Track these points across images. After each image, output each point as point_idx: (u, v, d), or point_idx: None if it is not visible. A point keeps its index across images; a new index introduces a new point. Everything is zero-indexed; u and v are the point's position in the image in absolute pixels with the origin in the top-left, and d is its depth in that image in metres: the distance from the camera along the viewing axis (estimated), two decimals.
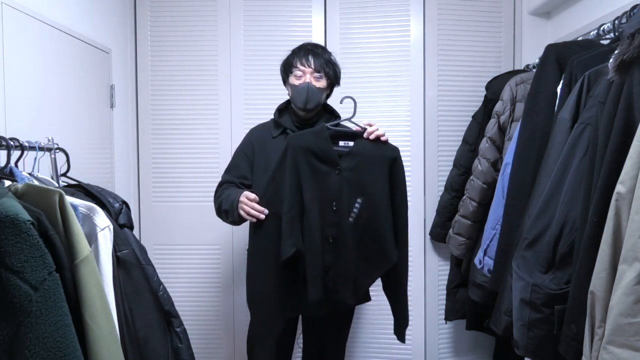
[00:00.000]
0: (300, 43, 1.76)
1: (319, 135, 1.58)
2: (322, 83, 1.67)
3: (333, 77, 1.71)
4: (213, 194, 1.76)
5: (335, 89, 1.79)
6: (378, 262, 1.61)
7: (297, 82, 1.67)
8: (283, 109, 1.78)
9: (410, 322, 2.29)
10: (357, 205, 1.58)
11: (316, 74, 1.67)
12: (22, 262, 0.78)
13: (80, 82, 1.82)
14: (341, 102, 1.64)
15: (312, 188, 1.55)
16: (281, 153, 1.57)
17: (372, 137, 1.58)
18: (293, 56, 1.70)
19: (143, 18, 2.29)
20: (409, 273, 2.30)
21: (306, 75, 1.66)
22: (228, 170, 1.77)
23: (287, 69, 1.72)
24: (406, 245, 1.68)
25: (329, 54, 1.73)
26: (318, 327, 1.78)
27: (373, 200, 1.58)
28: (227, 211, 1.64)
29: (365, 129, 1.59)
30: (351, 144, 1.62)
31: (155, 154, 2.31)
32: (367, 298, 1.75)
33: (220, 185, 1.75)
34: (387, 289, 1.71)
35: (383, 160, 1.59)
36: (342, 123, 1.67)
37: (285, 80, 1.74)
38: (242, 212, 1.58)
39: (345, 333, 1.85)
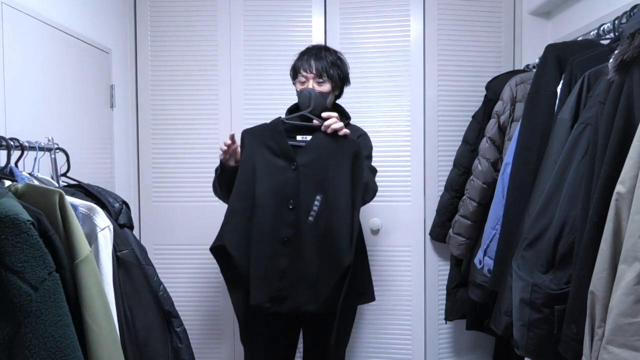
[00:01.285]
0: (301, 43, 1.77)
1: (273, 129, 1.54)
2: (325, 87, 1.68)
3: (337, 79, 1.71)
4: (213, 194, 1.76)
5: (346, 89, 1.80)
6: (335, 266, 1.51)
7: (300, 88, 1.69)
8: (293, 110, 1.78)
9: (410, 322, 2.31)
10: (316, 203, 1.51)
11: (318, 79, 1.67)
12: (22, 262, 0.78)
13: (80, 82, 1.82)
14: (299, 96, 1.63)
15: (267, 183, 1.50)
16: (240, 145, 1.56)
17: (329, 131, 1.52)
18: (298, 61, 1.72)
19: (143, 18, 2.29)
20: (409, 273, 2.33)
21: (309, 80, 1.67)
22: None
23: (293, 74, 1.74)
24: (363, 246, 1.62)
25: (335, 54, 1.73)
26: (317, 328, 1.78)
27: (333, 197, 1.51)
28: (216, 170, 1.66)
29: (323, 122, 1.53)
30: (309, 138, 1.56)
31: (155, 154, 2.31)
32: (329, 307, 1.54)
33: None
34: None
35: (343, 155, 1.52)
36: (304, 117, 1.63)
37: (294, 84, 1.76)
38: (220, 154, 1.58)
39: (345, 335, 1.81)
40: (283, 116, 1.61)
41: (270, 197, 1.51)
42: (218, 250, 1.53)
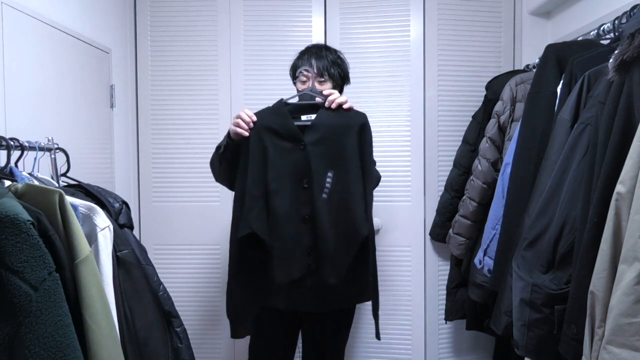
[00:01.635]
0: (301, 43, 1.77)
1: (276, 112, 1.54)
2: (326, 86, 1.67)
3: (338, 78, 1.71)
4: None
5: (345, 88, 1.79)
6: (351, 238, 1.54)
7: (301, 87, 1.68)
8: None
9: (410, 322, 2.31)
10: (328, 179, 1.52)
11: (320, 79, 1.67)
12: (22, 262, 0.78)
13: (80, 82, 1.82)
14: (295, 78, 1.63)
15: (278, 166, 1.50)
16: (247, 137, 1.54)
17: (333, 105, 1.53)
18: (298, 60, 1.71)
19: (143, 18, 2.29)
20: (409, 273, 2.32)
21: (310, 80, 1.66)
22: None
23: (293, 73, 1.73)
24: (371, 219, 1.61)
25: (335, 54, 1.73)
26: (316, 329, 1.78)
27: (344, 172, 1.52)
28: (219, 147, 1.60)
29: (326, 98, 1.54)
30: (313, 116, 1.56)
31: (155, 154, 2.31)
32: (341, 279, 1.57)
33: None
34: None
35: (350, 129, 1.53)
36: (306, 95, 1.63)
37: (294, 84, 1.76)
38: (232, 127, 1.53)
39: (345, 335, 1.82)
40: (285, 97, 1.59)
41: (283, 179, 1.51)
42: (244, 239, 1.52)
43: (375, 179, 1.71)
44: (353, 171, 1.53)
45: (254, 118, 1.53)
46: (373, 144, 1.79)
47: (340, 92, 1.77)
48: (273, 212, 1.51)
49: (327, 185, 1.52)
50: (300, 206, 1.52)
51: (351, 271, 1.56)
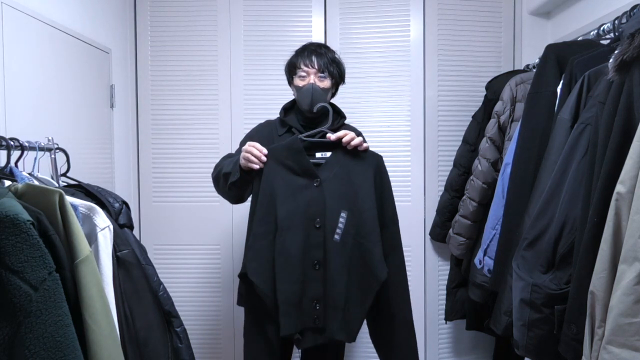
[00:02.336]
0: (301, 43, 1.75)
1: (291, 148, 1.46)
2: (326, 83, 1.65)
3: (337, 76, 1.69)
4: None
5: (341, 87, 1.76)
6: (366, 284, 1.42)
7: (301, 84, 1.64)
8: (289, 108, 1.75)
9: None
10: (342, 220, 1.43)
11: (320, 75, 1.64)
12: (22, 262, 0.78)
13: (80, 82, 1.82)
14: (315, 111, 1.55)
15: (290, 204, 1.43)
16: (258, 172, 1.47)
17: (349, 147, 1.46)
18: (297, 57, 1.68)
19: (143, 18, 2.29)
20: (409, 273, 2.31)
21: (310, 76, 1.63)
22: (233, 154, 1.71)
23: (291, 70, 1.70)
24: (403, 264, 1.51)
25: (333, 52, 1.71)
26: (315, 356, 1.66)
27: (359, 212, 1.44)
28: (227, 174, 1.52)
29: (341, 139, 1.47)
30: (328, 154, 1.49)
31: (155, 154, 2.31)
32: (353, 337, 1.46)
33: (222, 158, 1.68)
34: (376, 328, 1.53)
35: (366, 168, 1.47)
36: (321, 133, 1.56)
37: (290, 81, 1.73)
38: (242, 161, 1.46)
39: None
40: (298, 135, 1.52)
41: (295, 218, 1.43)
42: (246, 277, 1.45)
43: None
44: (368, 211, 1.44)
45: (265, 151, 1.46)
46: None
47: (336, 91, 1.75)
48: (281, 253, 1.41)
49: (340, 226, 1.43)
50: (311, 249, 1.43)
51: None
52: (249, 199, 1.58)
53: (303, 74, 1.64)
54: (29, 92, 1.50)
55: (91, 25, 1.93)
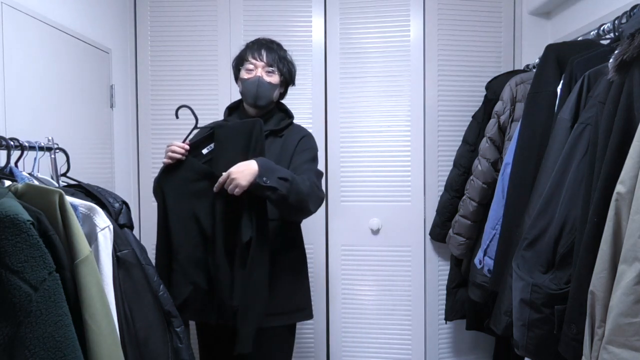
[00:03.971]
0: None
1: (184, 162, 1.50)
2: (274, 78, 1.61)
3: (287, 75, 1.65)
4: None
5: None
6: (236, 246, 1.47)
7: (247, 76, 1.60)
8: (234, 108, 1.72)
9: (410, 322, 2.31)
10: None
11: (268, 69, 1.60)
12: (22, 262, 0.78)
13: (80, 82, 1.82)
14: (176, 115, 1.57)
15: (208, 210, 1.48)
16: (159, 203, 1.52)
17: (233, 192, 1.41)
18: (246, 50, 1.64)
19: (143, 18, 2.29)
20: (409, 273, 2.32)
21: (257, 69, 1.59)
22: None
23: (239, 63, 1.65)
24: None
25: (285, 51, 1.67)
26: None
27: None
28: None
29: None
30: (212, 146, 1.53)
31: (155, 154, 2.31)
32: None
33: None
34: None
35: (239, 137, 1.49)
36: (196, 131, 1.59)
37: (237, 76, 1.68)
38: (165, 160, 1.50)
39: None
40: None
41: (218, 219, 1.47)
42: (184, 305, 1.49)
43: (316, 198, 1.53)
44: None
45: (186, 146, 1.50)
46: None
47: (285, 91, 1.71)
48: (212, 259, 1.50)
49: None
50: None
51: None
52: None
53: (250, 66, 1.61)
54: (29, 92, 1.50)
55: (91, 25, 1.93)
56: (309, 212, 1.53)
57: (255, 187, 1.39)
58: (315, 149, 1.68)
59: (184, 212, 1.50)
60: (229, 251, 1.48)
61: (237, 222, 1.46)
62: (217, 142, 1.52)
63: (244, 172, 1.39)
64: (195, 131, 1.58)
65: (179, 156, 1.49)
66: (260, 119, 1.50)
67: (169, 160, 1.50)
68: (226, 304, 1.48)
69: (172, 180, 1.51)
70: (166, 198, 1.51)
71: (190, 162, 1.51)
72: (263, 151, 1.48)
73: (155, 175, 2.34)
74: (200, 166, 1.51)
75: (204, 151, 1.54)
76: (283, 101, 1.76)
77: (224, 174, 1.43)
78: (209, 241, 1.50)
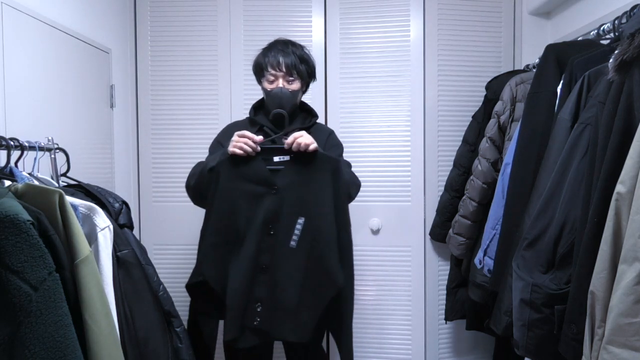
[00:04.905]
0: (301, 43, 1.74)
1: (249, 156, 1.46)
2: (295, 85, 1.62)
3: (306, 76, 1.65)
4: None
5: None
6: (323, 289, 1.44)
7: (269, 87, 1.61)
8: (258, 107, 1.73)
9: (410, 322, 2.31)
10: (298, 226, 1.45)
11: (289, 78, 1.61)
12: (22, 262, 0.78)
13: (80, 82, 1.82)
14: (271, 118, 1.56)
15: (245, 213, 1.44)
16: (213, 182, 1.46)
17: (301, 148, 1.43)
18: (263, 57, 1.64)
19: (143, 18, 2.29)
20: (409, 273, 2.32)
21: (278, 79, 1.60)
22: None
23: (258, 72, 1.66)
24: (351, 266, 1.52)
25: (301, 49, 1.66)
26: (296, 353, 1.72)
27: (316, 219, 1.44)
28: (202, 172, 1.50)
29: (291, 145, 1.45)
30: (287, 158, 1.48)
31: (155, 154, 2.31)
32: (309, 336, 1.48)
33: (194, 167, 1.65)
34: (330, 320, 1.53)
35: (323, 172, 1.46)
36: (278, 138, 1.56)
37: (258, 81, 1.69)
38: (230, 148, 1.45)
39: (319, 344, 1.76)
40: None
41: (251, 226, 1.44)
42: (195, 286, 1.47)
43: (355, 186, 1.63)
44: (325, 217, 1.45)
45: (257, 138, 1.46)
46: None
47: (306, 89, 1.71)
48: (236, 260, 1.44)
49: (297, 232, 1.44)
50: (260, 254, 1.45)
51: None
52: None
53: (271, 77, 1.61)
54: (29, 92, 1.50)
55: (91, 25, 1.93)
56: (352, 198, 1.61)
57: (320, 154, 1.46)
58: (342, 145, 1.74)
59: (225, 205, 1.46)
60: (257, 262, 1.46)
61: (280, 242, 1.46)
62: (293, 166, 1.47)
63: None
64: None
65: (249, 150, 1.45)
66: (339, 164, 1.50)
67: (238, 151, 1.44)
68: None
69: (232, 169, 1.46)
70: (220, 181, 1.46)
71: (258, 163, 1.47)
72: (345, 195, 1.51)
73: (155, 175, 2.34)
74: (265, 172, 1.47)
75: (276, 159, 1.49)
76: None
77: (290, 138, 1.44)
78: (235, 244, 1.46)
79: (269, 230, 1.46)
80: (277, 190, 1.46)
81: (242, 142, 1.45)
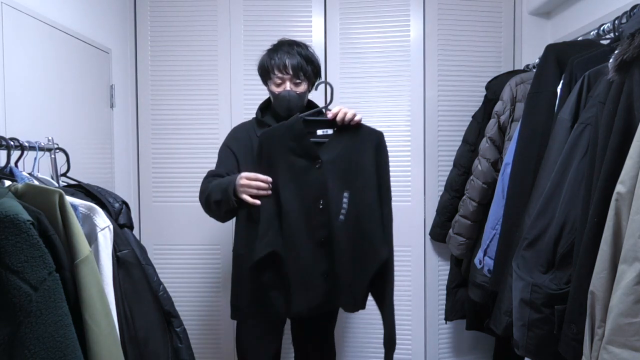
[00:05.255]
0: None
1: (292, 128, 1.45)
2: (302, 87, 1.62)
3: (312, 76, 1.65)
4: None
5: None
6: (369, 261, 1.48)
7: (277, 90, 1.61)
8: (265, 108, 1.73)
9: (410, 322, 2.31)
10: (345, 200, 1.45)
11: (296, 80, 1.60)
12: (22, 262, 0.78)
13: (80, 82, 1.82)
14: (316, 89, 1.57)
15: (291, 186, 1.43)
16: (256, 155, 1.46)
17: (344, 121, 1.45)
18: (269, 59, 1.63)
19: (143, 18, 2.29)
20: (409, 273, 2.32)
21: (286, 82, 1.60)
22: (215, 167, 1.70)
23: (264, 74, 1.66)
24: (392, 243, 1.54)
25: (306, 48, 1.65)
26: (306, 328, 1.77)
27: (360, 192, 1.46)
28: (219, 201, 1.50)
29: (335, 117, 1.46)
30: (330, 131, 1.49)
31: (155, 154, 2.31)
32: (363, 305, 1.59)
33: (206, 178, 1.65)
34: (374, 291, 1.58)
35: (367, 147, 1.47)
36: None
37: (264, 82, 1.69)
38: (244, 196, 1.44)
39: (332, 328, 1.84)
40: (300, 114, 1.50)
41: (298, 200, 1.44)
42: (261, 261, 1.45)
43: None
44: (370, 191, 1.46)
45: (270, 179, 1.45)
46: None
47: (311, 87, 1.70)
48: (288, 235, 1.44)
49: (344, 206, 1.45)
50: (316, 229, 1.46)
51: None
52: None
53: (278, 80, 1.61)
54: (29, 92, 1.50)
55: (91, 25, 1.93)
56: None
57: (364, 127, 1.48)
58: None
59: (270, 174, 1.45)
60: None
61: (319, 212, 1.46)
62: (337, 140, 1.46)
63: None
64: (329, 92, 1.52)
65: (264, 194, 1.45)
66: (383, 138, 1.51)
67: (253, 200, 1.43)
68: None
69: (276, 141, 1.45)
70: (264, 154, 1.46)
71: (302, 136, 1.45)
72: (388, 168, 1.51)
73: (155, 175, 2.34)
74: (310, 146, 1.46)
75: (319, 132, 1.49)
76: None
77: (335, 108, 1.45)
78: (286, 218, 1.45)
79: (319, 205, 1.45)
80: (321, 164, 1.46)
81: (255, 188, 1.44)
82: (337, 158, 1.46)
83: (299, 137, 1.46)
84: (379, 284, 1.53)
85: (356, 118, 1.47)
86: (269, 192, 1.45)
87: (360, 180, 1.46)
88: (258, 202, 1.44)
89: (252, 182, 1.44)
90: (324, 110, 1.56)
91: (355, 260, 1.48)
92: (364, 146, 1.47)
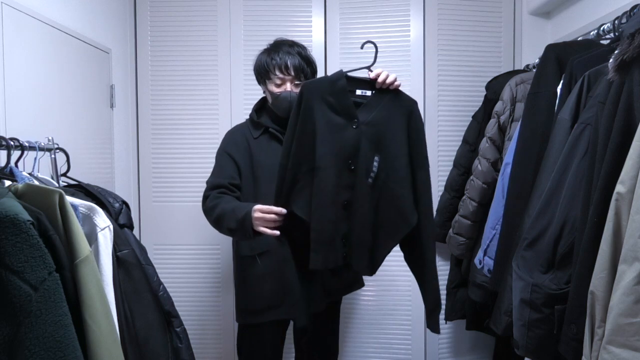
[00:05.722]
0: (298, 41, 1.72)
1: (335, 83, 1.41)
2: None
3: (311, 77, 1.64)
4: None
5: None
6: (395, 227, 1.44)
7: (277, 90, 1.60)
8: (259, 109, 1.72)
9: (410, 322, 2.31)
10: (375, 163, 1.42)
11: (296, 81, 1.60)
12: (22, 262, 0.78)
13: (80, 82, 1.82)
14: (362, 48, 1.51)
15: (327, 143, 1.39)
16: (295, 105, 1.41)
17: (385, 85, 1.42)
18: (269, 58, 1.62)
19: (143, 18, 2.29)
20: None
21: (286, 83, 1.59)
22: (213, 173, 1.68)
23: (262, 73, 1.64)
24: (431, 208, 1.50)
25: (304, 49, 1.65)
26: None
27: (391, 158, 1.43)
28: (233, 230, 1.50)
29: (377, 77, 1.43)
30: (369, 93, 1.45)
31: (155, 154, 2.31)
32: (374, 272, 1.53)
33: (209, 189, 1.65)
34: (410, 261, 1.54)
35: (402, 113, 1.44)
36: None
37: (260, 82, 1.68)
38: (261, 229, 1.42)
39: (337, 324, 1.85)
40: (343, 70, 1.46)
41: (331, 157, 1.40)
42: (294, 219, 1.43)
43: None
44: (401, 158, 1.43)
45: (284, 211, 1.43)
46: None
47: None
48: (316, 193, 1.39)
49: (374, 169, 1.41)
50: (341, 190, 1.41)
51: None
52: None
53: (278, 81, 1.60)
54: (29, 92, 1.50)
55: (91, 25, 1.93)
56: None
57: (402, 93, 1.46)
58: None
59: (306, 137, 1.40)
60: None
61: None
62: (376, 102, 1.44)
63: None
64: (356, 73, 1.47)
65: (281, 223, 1.43)
66: (416, 106, 1.48)
67: (272, 232, 1.42)
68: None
69: (315, 95, 1.41)
70: (302, 107, 1.41)
71: (343, 93, 1.42)
72: (423, 134, 1.48)
73: (155, 175, 2.34)
74: (350, 103, 1.42)
75: (358, 92, 1.45)
76: None
77: (377, 70, 1.43)
78: (315, 176, 1.41)
79: (349, 165, 1.41)
80: (357, 125, 1.42)
81: (272, 220, 1.42)
82: (373, 120, 1.42)
83: (341, 93, 1.41)
84: (415, 254, 1.50)
85: (396, 83, 1.44)
86: (277, 232, 1.43)
87: (392, 146, 1.43)
88: (277, 232, 1.42)
89: (266, 216, 1.42)
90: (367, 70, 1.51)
91: (379, 226, 1.44)
92: (398, 112, 1.44)
